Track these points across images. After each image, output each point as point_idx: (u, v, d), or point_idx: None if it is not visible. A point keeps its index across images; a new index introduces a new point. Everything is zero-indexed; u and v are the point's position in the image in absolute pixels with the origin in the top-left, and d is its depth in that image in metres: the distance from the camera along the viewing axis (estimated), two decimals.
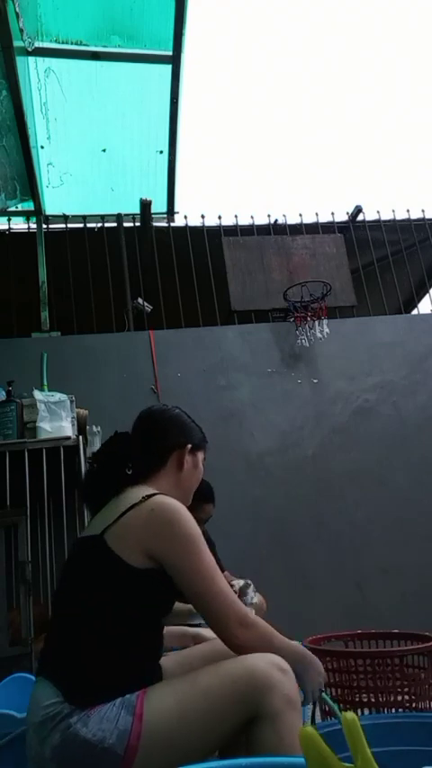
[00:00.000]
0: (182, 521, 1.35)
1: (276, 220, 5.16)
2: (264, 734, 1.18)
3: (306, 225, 5.14)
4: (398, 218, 5.29)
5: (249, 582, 2.51)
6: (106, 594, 1.30)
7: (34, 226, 4.90)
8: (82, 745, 1.16)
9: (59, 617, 1.39)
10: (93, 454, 1.67)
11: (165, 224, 5.09)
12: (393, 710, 1.92)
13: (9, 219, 4.89)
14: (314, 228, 5.14)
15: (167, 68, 4.16)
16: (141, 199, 4.74)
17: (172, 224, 5.09)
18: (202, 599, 1.32)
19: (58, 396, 3.16)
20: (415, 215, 5.34)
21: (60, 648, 1.32)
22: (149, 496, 1.37)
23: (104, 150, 4.65)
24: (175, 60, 4.10)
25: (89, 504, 1.54)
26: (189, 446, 1.57)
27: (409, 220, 5.30)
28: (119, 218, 4.94)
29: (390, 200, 5.35)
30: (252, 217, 5.09)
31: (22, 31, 3.65)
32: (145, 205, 4.77)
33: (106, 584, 1.31)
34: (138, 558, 1.31)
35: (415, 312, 5.65)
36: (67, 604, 1.37)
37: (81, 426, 3.24)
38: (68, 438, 3.02)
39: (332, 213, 5.21)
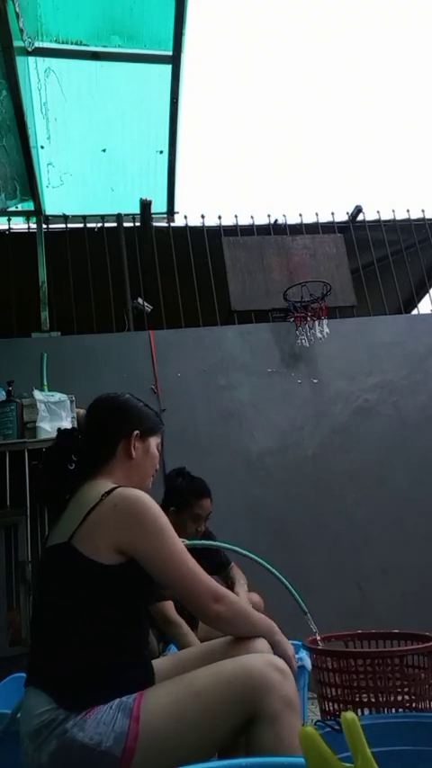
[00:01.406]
0: (145, 509, 1.36)
1: (276, 220, 5.15)
2: (263, 735, 1.17)
3: (306, 225, 5.14)
4: (398, 218, 5.29)
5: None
6: (84, 597, 1.31)
7: (34, 226, 4.90)
8: (80, 749, 1.16)
9: (41, 627, 1.38)
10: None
11: (165, 224, 5.09)
12: (393, 710, 1.92)
13: (9, 219, 4.89)
14: (314, 228, 5.14)
15: (167, 68, 4.16)
16: (141, 199, 4.74)
17: (172, 224, 5.09)
18: (174, 581, 1.35)
19: (58, 396, 3.16)
20: (415, 215, 5.34)
21: (47, 657, 1.32)
22: (109, 492, 1.38)
23: (104, 150, 4.65)
24: (175, 60, 4.09)
25: (47, 504, 1.57)
26: (136, 433, 1.56)
27: (409, 220, 5.30)
28: (119, 218, 4.94)
29: (390, 200, 5.35)
30: (252, 217, 5.09)
31: (22, 31, 3.65)
32: (145, 205, 4.77)
33: (83, 588, 1.31)
34: (109, 555, 1.32)
35: (415, 312, 5.65)
36: (47, 614, 1.37)
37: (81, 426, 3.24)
38: None
39: (332, 213, 5.22)
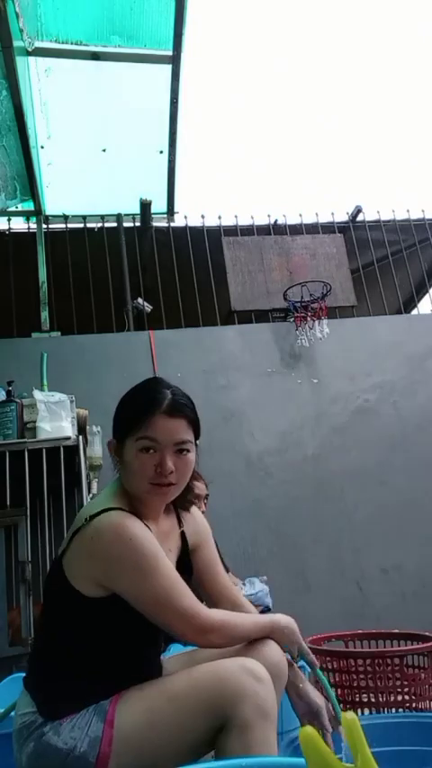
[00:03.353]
0: (120, 550, 1.21)
1: (276, 220, 5.15)
2: (230, 745, 1.12)
3: (306, 225, 5.14)
4: (398, 218, 5.29)
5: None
6: (69, 622, 1.27)
7: (34, 226, 4.90)
8: (54, 753, 1.16)
9: (36, 631, 1.38)
10: None
11: (165, 224, 5.09)
12: (393, 710, 1.92)
13: (9, 219, 4.89)
14: (314, 228, 5.14)
15: (167, 68, 4.16)
16: (141, 199, 4.74)
17: (172, 224, 5.09)
18: (159, 621, 1.25)
19: (58, 396, 3.16)
20: (415, 215, 5.34)
21: (34, 661, 1.33)
22: (93, 516, 1.26)
23: (104, 150, 4.65)
24: (175, 60, 4.09)
25: None
26: (111, 441, 1.39)
27: (408, 220, 5.30)
28: (119, 218, 4.94)
29: (390, 200, 5.34)
30: (252, 217, 5.09)
31: (22, 31, 3.64)
32: (145, 205, 4.77)
33: (68, 612, 1.27)
34: (91, 588, 1.24)
35: (415, 312, 5.65)
36: (42, 620, 1.37)
37: (81, 426, 3.24)
38: (68, 438, 3.03)
39: (332, 213, 5.21)
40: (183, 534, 1.48)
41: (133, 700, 1.21)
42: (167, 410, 1.32)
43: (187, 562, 1.46)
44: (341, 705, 2.00)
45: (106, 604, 1.24)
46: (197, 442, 1.38)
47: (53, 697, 1.23)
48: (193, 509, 1.55)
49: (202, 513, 2.62)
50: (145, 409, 1.32)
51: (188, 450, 1.34)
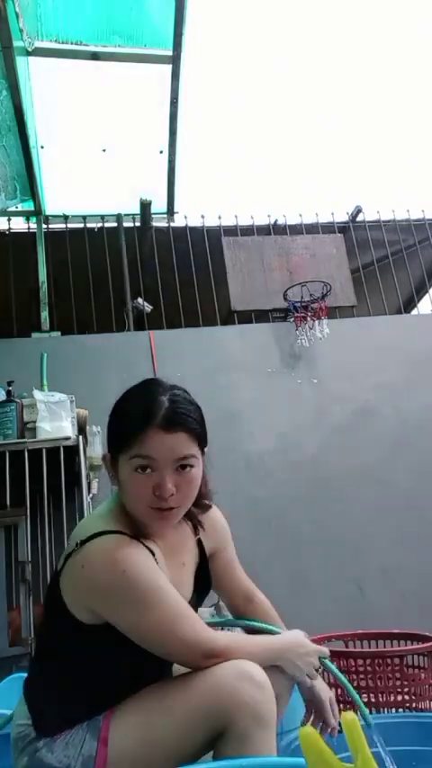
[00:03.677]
0: (114, 586, 1.10)
1: (276, 220, 5.15)
2: (228, 755, 1.08)
3: (306, 225, 5.14)
4: (398, 218, 5.29)
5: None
6: (65, 641, 1.20)
7: (34, 226, 4.90)
8: None
9: (37, 640, 1.34)
10: None
11: (165, 224, 5.09)
12: (393, 710, 1.92)
13: (9, 219, 4.89)
14: (314, 228, 5.14)
15: (167, 68, 4.16)
16: (141, 199, 4.74)
17: (172, 224, 5.09)
18: (159, 651, 1.16)
19: (58, 396, 3.16)
20: (415, 215, 5.34)
21: (32, 672, 1.30)
22: (84, 542, 1.14)
23: (104, 150, 4.65)
24: (175, 60, 4.09)
25: None
26: (106, 456, 1.24)
27: (408, 220, 5.30)
28: (119, 218, 4.94)
29: (390, 200, 5.33)
30: (252, 217, 5.09)
31: (22, 31, 3.65)
32: (145, 205, 4.77)
33: (64, 632, 1.20)
34: (84, 615, 1.15)
35: (415, 312, 5.65)
36: (42, 631, 1.33)
37: (81, 426, 3.24)
38: (68, 438, 3.03)
39: (332, 213, 5.21)
40: (199, 542, 1.38)
41: (127, 715, 1.15)
42: (163, 423, 1.14)
43: (205, 571, 1.38)
44: (341, 705, 2.00)
45: (102, 630, 1.15)
46: (205, 450, 1.23)
47: (47, 712, 1.19)
48: (209, 512, 1.41)
49: None
50: (138, 423, 1.14)
51: (191, 466, 1.17)
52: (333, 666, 1.38)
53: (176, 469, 1.16)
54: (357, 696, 1.36)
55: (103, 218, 4.97)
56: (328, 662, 1.35)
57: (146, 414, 1.15)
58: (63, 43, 3.95)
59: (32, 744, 1.16)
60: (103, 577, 1.11)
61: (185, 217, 5.04)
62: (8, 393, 3.21)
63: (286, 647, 1.27)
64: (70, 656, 1.21)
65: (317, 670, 1.30)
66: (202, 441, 1.21)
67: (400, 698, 1.95)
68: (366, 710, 1.35)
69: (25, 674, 1.33)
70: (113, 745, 1.12)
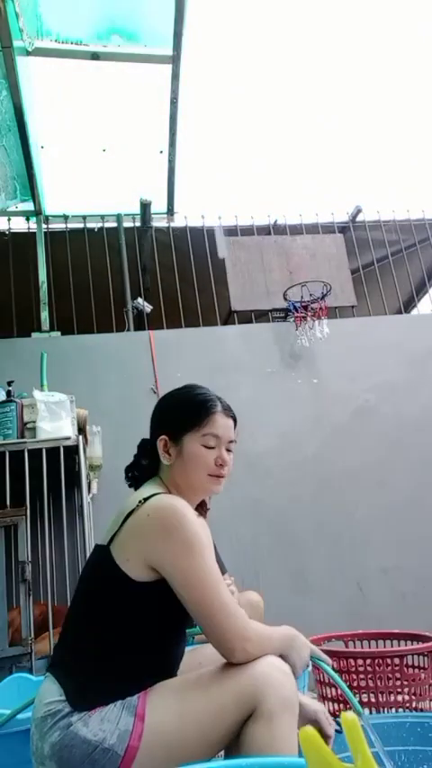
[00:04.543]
0: (177, 524, 1.26)
1: (276, 220, 5.16)
2: (258, 733, 1.17)
3: (306, 225, 5.14)
4: (398, 218, 5.29)
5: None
6: (112, 607, 1.29)
7: (34, 226, 4.90)
8: (81, 743, 1.16)
9: (69, 620, 1.40)
10: None
11: (165, 224, 5.09)
12: (393, 710, 1.92)
13: (9, 219, 4.89)
14: (314, 228, 5.14)
15: (167, 68, 4.16)
16: (141, 199, 4.74)
17: (172, 224, 5.09)
18: (200, 612, 1.25)
19: (58, 396, 3.16)
20: (415, 215, 5.34)
21: (67, 650, 1.33)
22: (147, 499, 1.32)
23: (104, 150, 4.65)
24: (175, 60, 4.10)
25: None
26: (163, 438, 1.46)
27: (408, 220, 5.30)
28: (119, 218, 4.94)
29: (390, 200, 5.34)
30: (252, 217, 5.09)
31: (22, 31, 3.64)
32: (145, 205, 4.77)
33: (112, 598, 1.29)
34: (140, 570, 1.27)
35: (415, 312, 5.66)
36: (77, 609, 1.38)
37: (81, 426, 3.24)
38: (68, 438, 3.03)
39: (332, 213, 5.22)
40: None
41: (164, 694, 1.24)
42: (223, 410, 1.49)
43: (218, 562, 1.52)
44: (341, 705, 2.00)
45: (152, 591, 1.27)
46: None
47: (85, 687, 1.23)
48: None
49: None
50: (207, 409, 1.46)
51: (232, 449, 1.50)
52: (324, 664, 1.39)
53: (226, 449, 1.47)
54: (349, 691, 1.37)
55: (103, 218, 4.97)
56: (319, 661, 1.40)
57: (211, 401, 1.49)
58: (63, 43, 3.95)
59: (65, 718, 1.19)
60: (170, 519, 1.27)
61: (185, 217, 5.04)
62: (8, 393, 3.22)
63: (295, 638, 1.37)
64: (114, 622, 1.28)
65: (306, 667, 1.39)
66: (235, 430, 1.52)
67: (400, 698, 1.95)
68: (360, 707, 1.36)
69: (25, 674, 1.34)
70: (150, 721, 1.19)
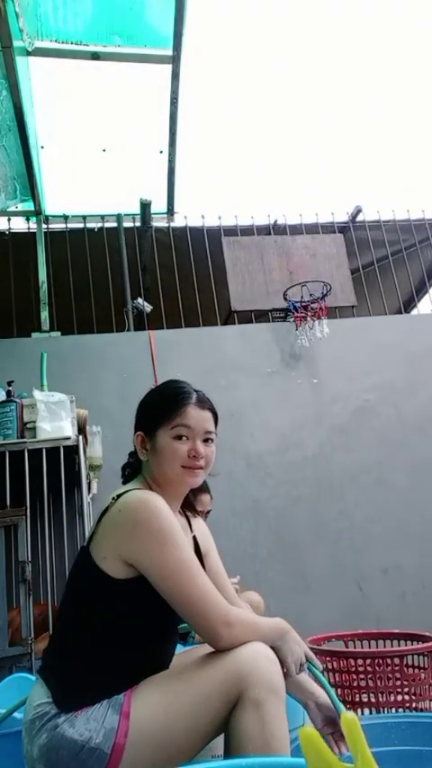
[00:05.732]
0: (147, 517, 1.26)
1: (276, 220, 5.15)
2: (247, 719, 1.17)
3: (306, 225, 5.14)
4: (398, 218, 5.29)
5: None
6: (94, 607, 1.29)
7: (34, 226, 4.90)
8: (68, 744, 1.16)
9: (59, 622, 1.41)
10: None
11: (165, 224, 5.09)
12: (393, 710, 1.92)
13: (9, 219, 4.89)
14: (314, 228, 5.14)
15: (167, 68, 4.16)
16: (141, 199, 4.74)
17: (172, 224, 5.09)
18: (179, 601, 1.25)
19: (58, 396, 3.16)
20: (415, 215, 5.34)
21: (55, 653, 1.34)
22: (120, 495, 1.33)
23: (104, 150, 4.65)
24: (175, 60, 4.10)
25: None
26: (139, 435, 1.46)
27: (408, 220, 5.30)
28: (119, 218, 4.94)
29: (390, 200, 5.34)
30: (252, 217, 5.09)
31: (22, 31, 3.64)
32: (145, 205, 4.77)
33: (94, 597, 1.30)
34: (118, 568, 1.27)
35: (415, 312, 5.66)
36: (64, 611, 1.39)
37: (81, 426, 3.24)
38: (68, 438, 3.03)
39: (332, 213, 5.21)
40: (195, 539, 1.53)
41: (148, 687, 1.24)
42: (197, 402, 1.45)
43: (201, 565, 1.48)
44: (347, 706, 2.00)
45: (132, 588, 1.27)
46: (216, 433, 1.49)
47: (70, 688, 1.24)
48: (198, 519, 1.61)
49: None
50: (178, 401, 1.43)
51: (212, 441, 1.45)
52: (315, 669, 1.37)
53: (203, 441, 1.43)
54: (337, 699, 1.36)
55: (103, 218, 4.97)
56: (311, 665, 1.37)
57: (184, 394, 1.45)
58: (63, 43, 3.95)
59: (52, 720, 1.20)
60: (139, 512, 1.27)
61: (185, 217, 5.04)
62: (8, 393, 3.22)
63: (284, 631, 1.34)
64: (97, 621, 1.28)
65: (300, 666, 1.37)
66: (217, 426, 1.48)
67: (400, 698, 1.95)
68: (341, 705, 1.34)
69: (25, 674, 1.34)
70: (135, 718, 1.19)
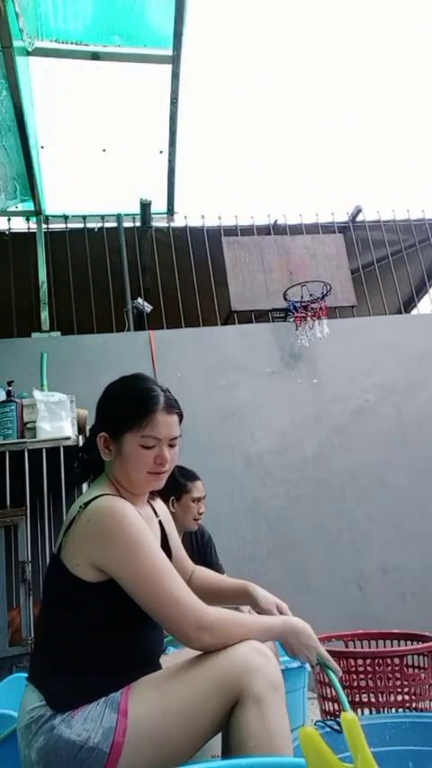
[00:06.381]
0: (116, 527, 1.26)
1: (276, 220, 5.15)
2: (248, 715, 1.17)
3: (306, 225, 5.13)
4: (398, 218, 5.29)
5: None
6: (75, 610, 1.29)
7: (34, 226, 4.90)
8: (67, 745, 1.16)
9: (41, 628, 1.41)
10: None
11: (165, 224, 5.09)
12: (393, 710, 1.92)
13: (9, 219, 4.89)
14: (314, 228, 5.14)
15: (167, 68, 4.16)
16: (141, 199, 4.74)
17: (172, 224, 5.09)
18: (151, 607, 1.25)
19: (58, 396, 3.16)
20: (415, 215, 5.34)
21: (40, 655, 1.35)
22: (88, 503, 1.31)
23: (104, 150, 4.65)
24: (175, 60, 4.09)
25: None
26: (102, 435, 1.42)
27: (408, 220, 5.30)
28: (119, 218, 4.94)
29: (390, 200, 5.34)
30: (252, 217, 5.09)
31: (22, 31, 3.64)
32: (145, 205, 4.77)
33: (73, 601, 1.30)
34: (91, 573, 1.28)
35: (415, 312, 5.65)
36: (45, 617, 1.38)
37: (81, 426, 3.24)
38: (68, 438, 3.02)
39: (332, 213, 5.21)
40: (160, 523, 1.56)
41: (146, 686, 1.24)
42: (165, 408, 1.41)
43: (167, 549, 1.51)
44: (353, 707, 2.00)
45: (105, 589, 1.27)
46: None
47: (62, 689, 1.24)
48: (158, 499, 1.63)
49: (200, 513, 2.65)
50: (147, 408, 1.39)
51: (176, 444, 1.45)
52: (332, 673, 1.36)
53: (169, 446, 1.42)
54: (344, 695, 1.34)
55: (103, 218, 4.97)
56: (327, 667, 1.37)
57: (152, 399, 1.40)
58: (63, 43, 3.95)
59: (48, 722, 1.19)
60: (107, 522, 1.27)
61: (185, 217, 5.04)
62: (8, 393, 3.21)
63: (291, 626, 1.35)
64: (76, 624, 1.28)
65: (313, 667, 1.39)
66: (181, 423, 1.47)
67: (400, 698, 1.95)
68: (348, 706, 1.32)
69: (25, 674, 1.34)
70: (133, 716, 1.19)
